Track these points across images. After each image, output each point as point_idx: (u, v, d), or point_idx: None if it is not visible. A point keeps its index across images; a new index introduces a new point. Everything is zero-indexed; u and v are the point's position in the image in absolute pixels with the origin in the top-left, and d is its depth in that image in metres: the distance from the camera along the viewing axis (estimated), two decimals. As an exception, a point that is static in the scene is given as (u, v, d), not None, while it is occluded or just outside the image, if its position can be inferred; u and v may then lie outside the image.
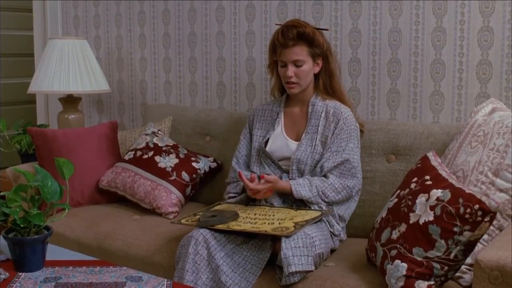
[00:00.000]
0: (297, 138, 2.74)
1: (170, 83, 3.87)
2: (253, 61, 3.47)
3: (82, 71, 3.67)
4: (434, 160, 2.27)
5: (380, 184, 2.76)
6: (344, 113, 2.68)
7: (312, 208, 2.54)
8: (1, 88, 5.13)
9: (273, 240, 2.34)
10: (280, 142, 2.75)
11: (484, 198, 1.95)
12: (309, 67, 2.70)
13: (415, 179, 2.19)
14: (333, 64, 2.79)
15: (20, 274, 2.06)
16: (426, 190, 2.09)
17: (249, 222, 2.39)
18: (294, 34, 2.65)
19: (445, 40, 2.86)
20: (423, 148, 2.67)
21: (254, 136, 2.83)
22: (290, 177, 2.66)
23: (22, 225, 2.06)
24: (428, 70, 2.92)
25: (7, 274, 2.04)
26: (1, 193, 2.19)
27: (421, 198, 2.07)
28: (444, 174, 2.15)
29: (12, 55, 5.20)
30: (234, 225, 2.37)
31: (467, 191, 1.99)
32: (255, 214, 2.46)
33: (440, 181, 2.10)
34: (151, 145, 3.22)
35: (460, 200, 1.96)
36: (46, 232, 2.12)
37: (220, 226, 2.38)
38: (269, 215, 2.44)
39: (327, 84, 2.77)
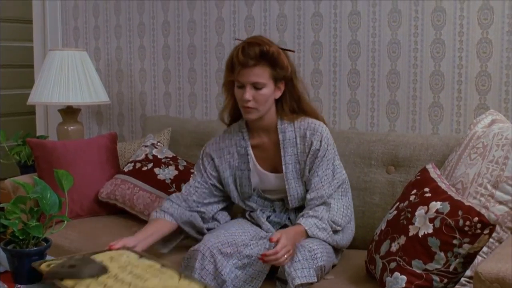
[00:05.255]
0: (274, 170, 2.56)
1: (170, 94, 3.88)
2: (252, 72, 3.47)
3: (82, 82, 3.68)
4: (433, 172, 2.27)
5: (379, 195, 2.75)
6: (323, 132, 2.49)
7: None
8: (0, 99, 5.14)
9: None
10: (258, 177, 2.58)
11: (483, 211, 1.95)
12: (270, 91, 2.43)
13: (414, 191, 2.19)
14: (300, 87, 2.54)
15: (19, 286, 2.05)
16: (425, 202, 2.08)
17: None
18: (256, 53, 2.37)
19: (444, 51, 2.87)
20: (422, 160, 2.67)
21: (228, 179, 2.60)
22: (287, 211, 2.59)
23: (21, 237, 2.05)
24: (427, 81, 2.93)
25: (6, 286, 2.04)
26: (0, 205, 2.19)
27: (420, 211, 2.07)
28: (443, 186, 2.15)
29: (12, 66, 5.21)
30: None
31: (466, 203, 1.99)
32: (132, 276, 1.91)
33: (439, 194, 2.10)
34: (150, 157, 3.21)
35: (460, 213, 1.96)
36: (45, 244, 2.12)
37: (68, 283, 1.87)
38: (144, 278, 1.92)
39: (294, 109, 2.54)
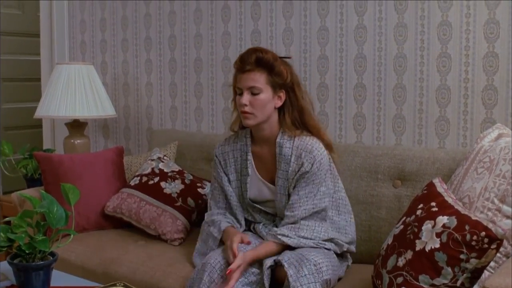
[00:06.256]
0: (271, 181, 2.58)
1: (176, 108, 3.88)
2: (258, 86, 3.48)
3: (89, 96, 3.69)
4: (440, 187, 2.26)
5: (386, 209, 2.75)
6: (317, 156, 2.47)
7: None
8: (7, 113, 5.15)
9: (275, 266, 2.33)
10: (257, 185, 2.60)
11: (490, 225, 1.94)
12: (267, 98, 2.46)
13: (421, 205, 2.19)
14: (303, 99, 2.56)
15: (25, 300, 2.06)
16: (432, 216, 2.08)
17: None
18: (252, 59, 2.45)
19: (450, 65, 2.87)
20: (429, 174, 2.66)
21: (233, 182, 2.65)
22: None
23: (27, 251, 2.06)
24: (433, 95, 2.93)
25: (12, 300, 2.04)
26: (7, 219, 2.20)
27: (427, 225, 2.06)
28: (450, 200, 2.14)
29: (19, 79, 5.23)
30: None
31: (473, 218, 1.98)
32: None
33: (446, 208, 2.09)
34: (157, 171, 3.21)
35: (467, 227, 1.95)
36: (51, 258, 2.12)
37: None
38: None
39: (296, 120, 2.54)
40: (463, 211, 2.05)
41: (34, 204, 2.13)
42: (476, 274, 1.96)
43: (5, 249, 2.10)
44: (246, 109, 2.45)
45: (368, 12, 3.07)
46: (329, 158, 2.54)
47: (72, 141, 3.86)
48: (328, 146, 2.56)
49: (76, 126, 3.88)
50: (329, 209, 2.51)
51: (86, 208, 3.13)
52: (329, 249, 2.44)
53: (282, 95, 2.50)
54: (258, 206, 2.61)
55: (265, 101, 2.46)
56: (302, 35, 3.29)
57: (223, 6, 3.59)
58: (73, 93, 3.66)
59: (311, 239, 2.42)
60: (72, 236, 2.18)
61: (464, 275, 1.95)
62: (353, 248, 2.60)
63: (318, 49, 3.24)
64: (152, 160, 3.30)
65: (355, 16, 3.11)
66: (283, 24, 3.36)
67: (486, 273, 2.05)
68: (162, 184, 3.13)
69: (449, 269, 1.96)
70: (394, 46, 3.01)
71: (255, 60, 2.44)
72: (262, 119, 2.49)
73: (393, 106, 3.04)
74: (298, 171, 2.47)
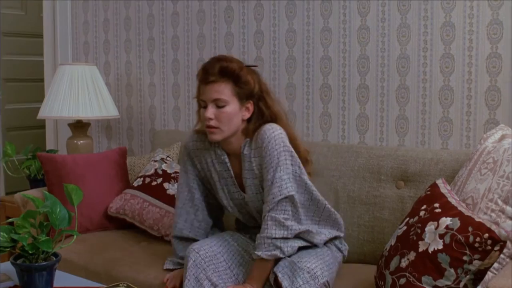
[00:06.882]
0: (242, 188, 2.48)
1: (179, 108, 3.88)
2: (261, 87, 3.48)
3: (92, 96, 3.69)
4: (444, 188, 2.26)
5: (389, 210, 2.74)
6: (267, 136, 2.31)
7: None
8: (10, 113, 5.16)
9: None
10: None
11: (493, 227, 1.94)
12: (234, 110, 2.32)
13: (424, 206, 2.18)
14: (275, 106, 2.42)
15: (28, 301, 2.06)
16: (435, 218, 2.07)
17: None
18: (216, 69, 2.29)
19: (453, 66, 2.87)
20: (432, 175, 2.66)
21: (218, 183, 2.53)
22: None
23: (30, 252, 2.06)
24: (436, 96, 2.92)
25: (15, 301, 2.04)
26: (10, 219, 2.20)
27: (430, 226, 2.06)
28: (453, 202, 2.14)
29: (22, 80, 5.24)
30: None
31: (477, 219, 1.98)
32: None
33: (449, 209, 2.09)
34: (160, 172, 3.21)
35: (470, 229, 1.95)
36: (54, 258, 2.12)
37: None
38: None
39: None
40: (466, 212, 2.04)
41: (37, 205, 2.13)
42: (479, 275, 1.96)
43: (8, 249, 2.10)
44: (212, 123, 2.32)
45: (371, 13, 3.07)
46: (288, 141, 2.35)
47: (75, 141, 3.86)
48: (302, 157, 2.40)
49: (79, 126, 3.88)
50: (299, 194, 2.33)
51: (89, 208, 3.13)
52: (316, 246, 2.36)
53: (250, 106, 2.37)
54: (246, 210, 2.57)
55: (232, 114, 2.32)
56: (305, 36, 3.29)
57: (226, 7, 3.59)
58: (76, 93, 3.66)
59: (282, 237, 2.26)
60: (75, 236, 2.19)
61: (467, 276, 1.95)
62: (339, 233, 2.46)
63: (321, 50, 3.24)
64: (155, 161, 3.30)
65: (358, 17, 3.11)
66: (286, 25, 3.35)
67: (489, 275, 2.05)
68: (165, 185, 3.14)
69: (452, 270, 1.96)
70: (397, 47, 3.01)
71: (219, 70, 2.30)
72: (229, 134, 2.36)
73: (396, 107, 3.04)
74: (261, 162, 2.35)
